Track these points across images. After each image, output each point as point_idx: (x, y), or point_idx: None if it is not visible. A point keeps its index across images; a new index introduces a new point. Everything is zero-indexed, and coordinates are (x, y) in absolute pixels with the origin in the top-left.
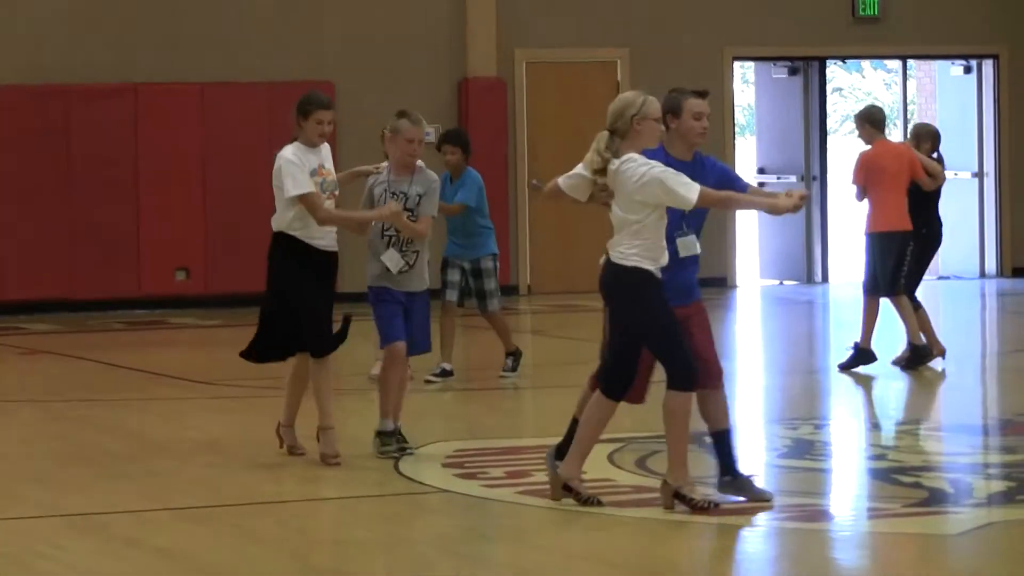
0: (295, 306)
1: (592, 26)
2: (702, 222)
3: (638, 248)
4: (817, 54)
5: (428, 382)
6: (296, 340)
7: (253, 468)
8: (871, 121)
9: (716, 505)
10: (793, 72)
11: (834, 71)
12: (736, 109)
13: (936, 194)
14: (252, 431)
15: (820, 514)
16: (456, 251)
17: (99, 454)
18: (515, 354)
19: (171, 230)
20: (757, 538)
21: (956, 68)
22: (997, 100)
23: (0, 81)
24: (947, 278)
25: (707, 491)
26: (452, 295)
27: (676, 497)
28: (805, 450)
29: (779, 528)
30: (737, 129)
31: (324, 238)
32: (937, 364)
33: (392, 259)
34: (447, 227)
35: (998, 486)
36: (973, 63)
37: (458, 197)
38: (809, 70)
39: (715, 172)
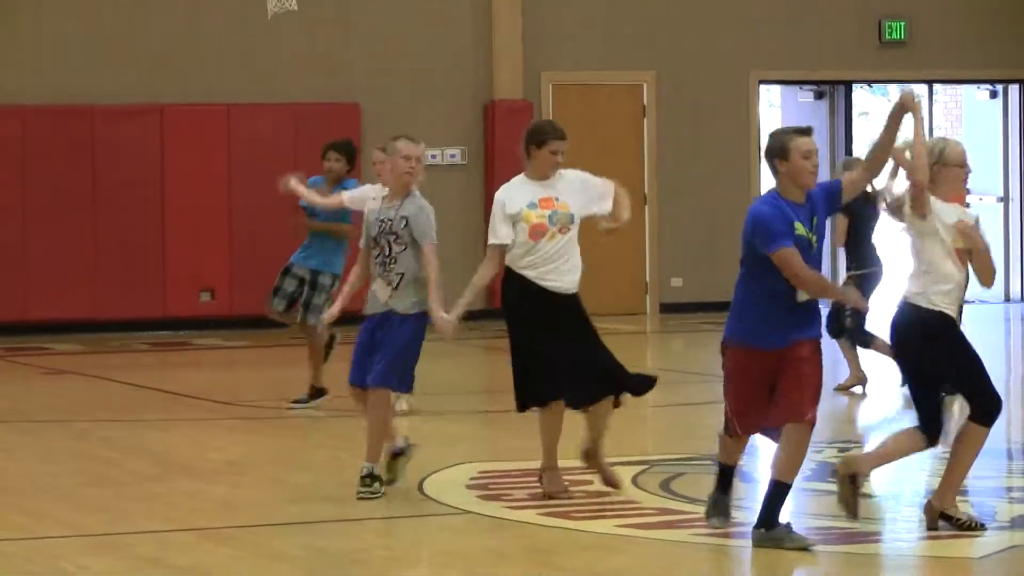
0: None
1: (618, 49)
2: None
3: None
4: (843, 78)
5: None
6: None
7: (276, 489)
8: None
9: (982, 525)
10: (819, 96)
11: (860, 95)
12: (762, 133)
13: (866, 227)
14: (275, 452)
15: (843, 537)
16: (301, 259)
17: (123, 474)
18: (319, 392)
19: (196, 251)
20: (781, 561)
21: (982, 92)
22: (1023, 125)
23: (26, 101)
24: (971, 302)
25: (735, 515)
26: (280, 304)
27: (942, 517)
28: (829, 473)
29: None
30: (761, 154)
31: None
32: (857, 390)
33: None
34: (309, 235)
35: (1021, 509)
36: (999, 88)
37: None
38: (835, 94)
39: (822, 195)
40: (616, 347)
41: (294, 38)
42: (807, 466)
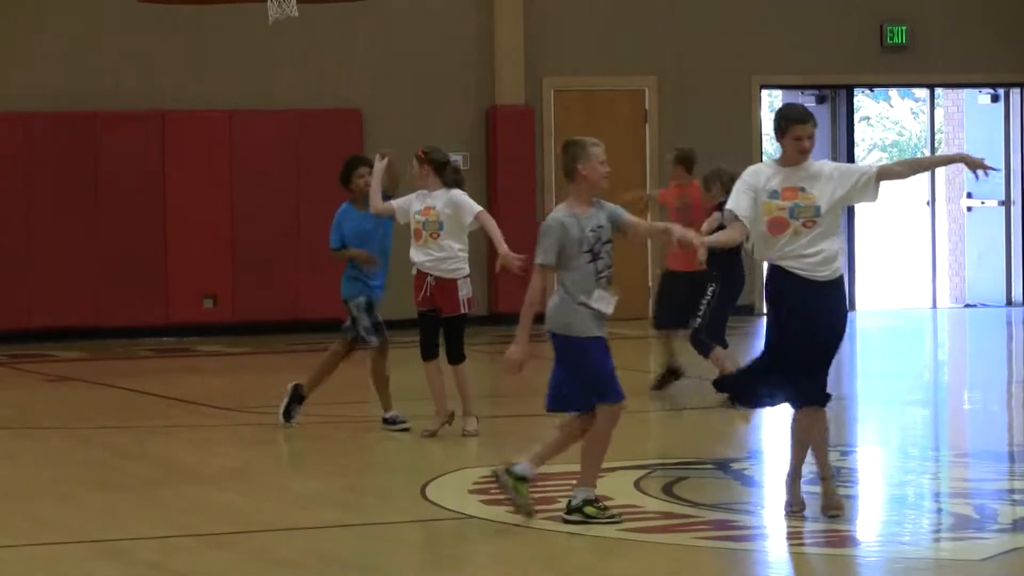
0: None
1: (620, 54)
2: None
3: None
4: (845, 82)
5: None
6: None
7: (279, 494)
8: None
9: None
10: (821, 100)
11: (862, 100)
12: (763, 138)
13: None
14: (279, 458)
15: (846, 540)
16: (378, 291)
17: (126, 480)
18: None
19: (198, 257)
20: (783, 564)
21: (983, 97)
22: None
23: (28, 107)
24: (973, 306)
25: (738, 518)
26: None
27: None
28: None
29: (805, 554)
30: (764, 157)
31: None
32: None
33: (605, 299)
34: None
35: (1023, 512)
36: (1000, 92)
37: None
38: (837, 98)
39: None
40: (620, 351)
41: (295, 44)
42: (809, 470)
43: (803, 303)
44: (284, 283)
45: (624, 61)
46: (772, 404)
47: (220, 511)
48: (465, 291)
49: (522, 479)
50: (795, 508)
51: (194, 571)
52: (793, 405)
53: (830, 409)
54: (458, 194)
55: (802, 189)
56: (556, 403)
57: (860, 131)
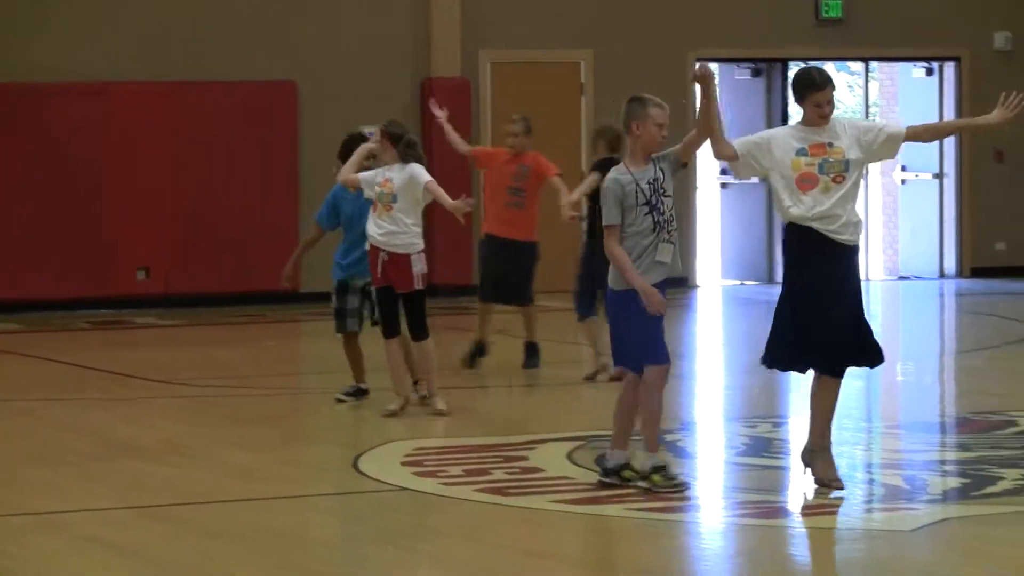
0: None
1: (556, 27)
2: None
3: None
4: (780, 55)
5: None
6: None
7: (215, 467)
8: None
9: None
10: (756, 74)
11: None
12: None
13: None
14: (214, 430)
15: (777, 511)
16: (350, 270)
17: (62, 453)
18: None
19: (134, 229)
20: (715, 535)
21: (918, 70)
22: (958, 102)
23: None
24: (907, 278)
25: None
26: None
27: None
28: (763, 448)
29: (736, 525)
30: None
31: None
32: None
33: (664, 251)
34: (348, 240)
35: (953, 483)
36: (935, 65)
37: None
38: (772, 72)
39: None
40: (552, 323)
41: (235, 16)
42: (740, 441)
43: (829, 267)
44: (222, 255)
45: (560, 34)
46: (797, 369)
47: (157, 484)
48: (419, 267)
49: (656, 470)
50: (833, 484)
51: (133, 543)
52: (819, 371)
53: (761, 379)
54: (413, 166)
55: (829, 144)
56: (619, 359)
57: (794, 104)
